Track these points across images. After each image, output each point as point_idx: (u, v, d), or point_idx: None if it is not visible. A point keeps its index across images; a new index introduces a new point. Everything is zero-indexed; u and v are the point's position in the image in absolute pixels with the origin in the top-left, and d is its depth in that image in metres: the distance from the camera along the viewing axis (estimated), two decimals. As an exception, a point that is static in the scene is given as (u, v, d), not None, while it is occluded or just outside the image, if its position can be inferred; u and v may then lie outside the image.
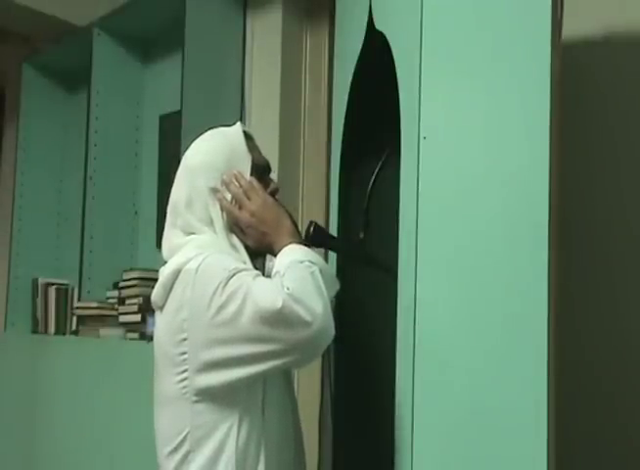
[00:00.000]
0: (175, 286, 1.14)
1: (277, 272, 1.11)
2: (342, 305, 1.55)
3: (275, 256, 1.21)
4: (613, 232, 1.64)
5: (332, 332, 1.07)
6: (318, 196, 2.26)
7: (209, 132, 1.31)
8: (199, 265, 1.11)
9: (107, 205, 2.67)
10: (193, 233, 1.21)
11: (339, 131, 1.59)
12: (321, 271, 1.11)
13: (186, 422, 1.11)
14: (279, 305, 1.02)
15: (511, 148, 1.04)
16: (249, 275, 1.10)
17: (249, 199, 1.21)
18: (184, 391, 1.11)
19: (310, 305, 1.04)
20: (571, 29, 1.55)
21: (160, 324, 1.19)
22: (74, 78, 3.14)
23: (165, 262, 1.23)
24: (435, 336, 1.06)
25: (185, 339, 1.10)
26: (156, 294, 1.18)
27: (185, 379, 1.11)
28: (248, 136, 1.29)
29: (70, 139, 3.16)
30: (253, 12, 2.38)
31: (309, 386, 2.16)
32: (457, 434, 1.03)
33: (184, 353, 1.10)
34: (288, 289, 1.04)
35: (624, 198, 1.64)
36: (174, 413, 1.14)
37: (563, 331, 1.09)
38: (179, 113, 2.21)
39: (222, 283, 1.07)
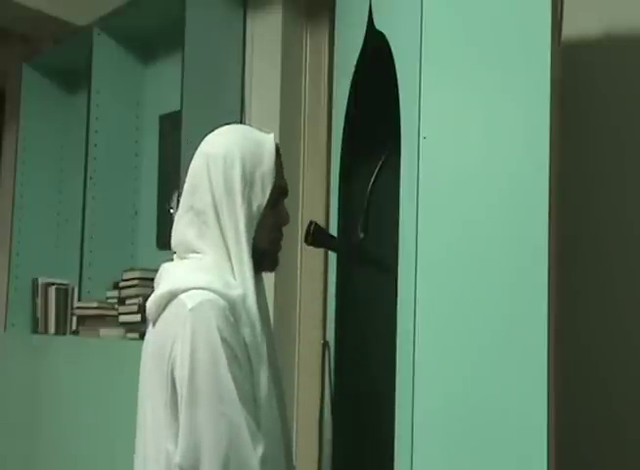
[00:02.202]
0: (167, 309, 1.13)
1: None
2: (342, 305, 1.55)
3: None
4: (613, 231, 1.64)
5: None
6: (318, 196, 2.26)
7: (241, 130, 1.26)
8: (194, 307, 1.08)
9: (107, 205, 2.67)
10: (205, 226, 1.18)
11: (339, 131, 1.59)
12: None
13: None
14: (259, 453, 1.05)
15: (511, 148, 1.04)
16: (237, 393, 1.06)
17: None
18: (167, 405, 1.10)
19: None
20: (571, 29, 1.55)
21: (152, 337, 1.18)
22: (74, 78, 3.14)
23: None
24: (436, 336, 1.06)
25: (166, 372, 1.09)
26: (149, 308, 1.16)
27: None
28: (277, 152, 1.25)
29: (70, 139, 3.16)
30: (253, 12, 2.38)
31: (309, 386, 2.16)
32: (457, 434, 1.03)
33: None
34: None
35: (625, 197, 1.64)
36: (159, 439, 1.11)
37: (563, 330, 1.09)
38: (179, 113, 2.21)
39: (209, 365, 1.05)
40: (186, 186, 1.23)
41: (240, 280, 1.15)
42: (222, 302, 1.09)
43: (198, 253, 1.18)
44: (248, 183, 1.18)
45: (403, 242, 1.16)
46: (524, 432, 0.97)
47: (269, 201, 1.21)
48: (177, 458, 1.05)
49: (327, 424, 1.54)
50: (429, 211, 1.08)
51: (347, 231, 1.55)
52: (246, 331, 1.12)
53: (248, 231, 1.17)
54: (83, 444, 2.40)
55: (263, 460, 1.06)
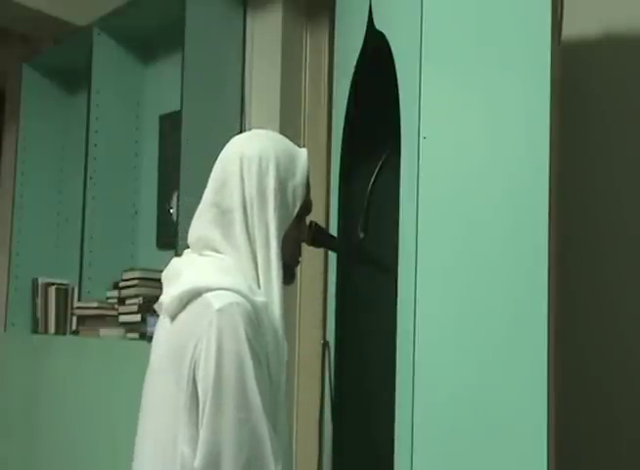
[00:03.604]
0: (190, 307, 1.09)
1: None
2: (342, 305, 1.55)
3: None
4: (612, 231, 1.64)
5: None
6: (318, 196, 2.26)
7: (275, 136, 1.24)
8: (222, 307, 1.05)
9: (107, 205, 2.67)
10: (231, 225, 1.14)
11: (339, 131, 1.59)
12: None
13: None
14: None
15: (511, 148, 1.04)
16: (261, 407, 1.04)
17: None
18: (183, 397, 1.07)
19: None
20: (571, 29, 1.55)
21: (168, 335, 1.14)
22: (74, 78, 3.14)
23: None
24: (436, 336, 1.06)
25: (186, 368, 1.06)
26: (169, 303, 1.12)
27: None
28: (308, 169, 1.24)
29: (70, 139, 3.16)
30: (253, 12, 2.38)
31: (309, 386, 2.16)
32: (457, 433, 1.03)
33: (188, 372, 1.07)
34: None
35: (624, 197, 1.64)
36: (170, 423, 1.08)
37: (562, 330, 1.09)
38: (179, 113, 2.21)
39: (235, 368, 1.02)
40: (211, 183, 1.20)
41: (265, 285, 1.13)
42: (248, 305, 1.07)
43: (219, 252, 1.15)
44: (281, 190, 1.16)
45: (403, 242, 1.16)
46: (524, 432, 0.97)
47: (297, 214, 1.20)
48: (196, 463, 1.02)
49: (327, 424, 1.54)
50: (429, 211, 1.08)
51: (347, 231, 1.55)
52: (268, 337, 1.10)
53: (278, 236, 1.15)
54: (84, 443, 2.40)
55: None
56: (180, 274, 1.16)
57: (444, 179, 1.08)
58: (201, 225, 1.19)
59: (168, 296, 1.13)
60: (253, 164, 1.15)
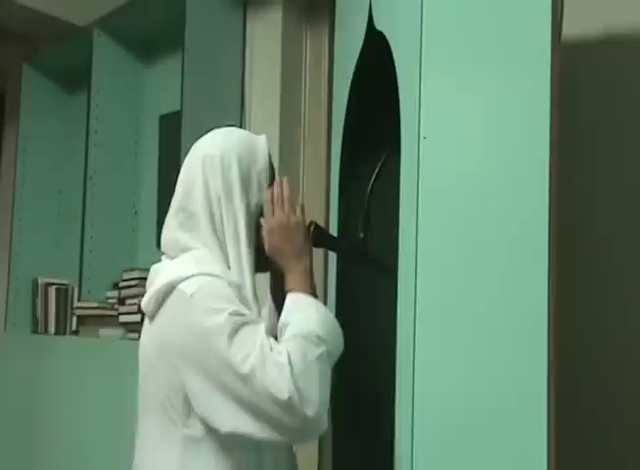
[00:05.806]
0: (167, 302, 1.11)
1: (284, 326, 1.10)
2: (342, 306, 1.55)
3: (280, 279, 1.21)
4: (613, 232, 1.64)
5: (324, 427, 1.05)
6: (318, 196, 2.26)
7: (234, 132, 1.27)
8: (194, 292, 1.07)
9: (107, 205, 2.67)
10: (198, 225, 1.17)
11: (339, 131, 1.59)
12: (329, 352, 1.10)
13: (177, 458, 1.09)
14: (285, 396, 1.01)
15: (511, 148, 1.04)
16: (255, 333, 1.05)
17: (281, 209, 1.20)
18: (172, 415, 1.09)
19: (312, 399, 1.03)
20: (572, 29, 1.55)
21: (148, 334, 1.16)
22: (74, 78, 3.14)
23: (161, 254, 1.22)
24: (436, 336, 1.06)
25: (176, 366, 1.07)
26: (147, 303, 1.14)
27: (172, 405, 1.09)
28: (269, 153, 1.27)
29: (70, 139, 3.16)
30: (253, 12, 2.38)
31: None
32: (457, 434, 1.03)
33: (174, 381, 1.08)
34: (293, 374, 1.02)
35: (624, 198, 1.64)
36: (164, 446, 1.10)
37: (562, 330, 1.09)
38: (179, 113, 2.21)
39: (227, 332, 1.03)
40: (178, 188, 1.23)
41: (238, 277, 1.15)
42: (221, 280, 1.09)
43: (190, 249, 1.17)
44: (245, 183, 1.20)
45: (403, 242, 1.16)
46: (524, 432, 0.97)
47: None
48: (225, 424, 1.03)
49: (327, 424, 1.54)
50: (429, 211, 1.08)
51: (347, 231, 1.55)
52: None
53: (247, 224, 1.18)
54: (83, 443, 2.40)
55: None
56: (156, 277, 1.18)
57: (444, 179, 1.08)
58: (170, 230, 1.22)
59: (145, 298, 1.15)
60: (216, 165, 1.18)
